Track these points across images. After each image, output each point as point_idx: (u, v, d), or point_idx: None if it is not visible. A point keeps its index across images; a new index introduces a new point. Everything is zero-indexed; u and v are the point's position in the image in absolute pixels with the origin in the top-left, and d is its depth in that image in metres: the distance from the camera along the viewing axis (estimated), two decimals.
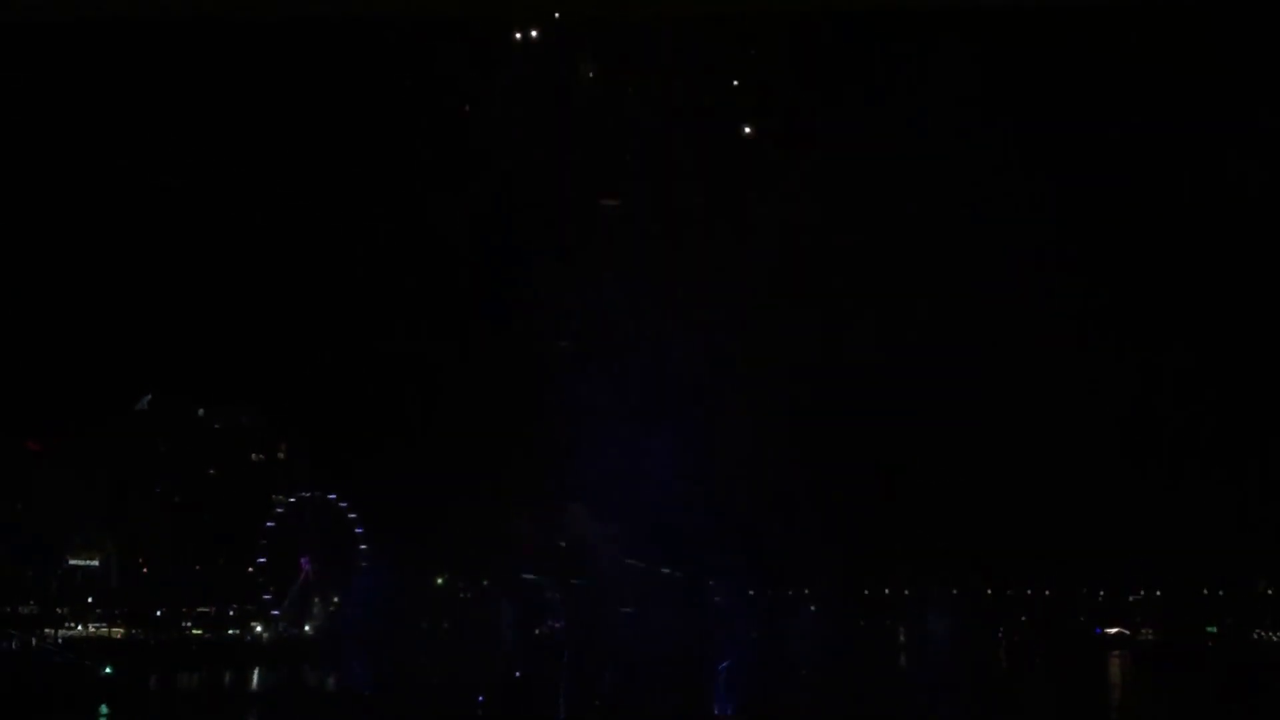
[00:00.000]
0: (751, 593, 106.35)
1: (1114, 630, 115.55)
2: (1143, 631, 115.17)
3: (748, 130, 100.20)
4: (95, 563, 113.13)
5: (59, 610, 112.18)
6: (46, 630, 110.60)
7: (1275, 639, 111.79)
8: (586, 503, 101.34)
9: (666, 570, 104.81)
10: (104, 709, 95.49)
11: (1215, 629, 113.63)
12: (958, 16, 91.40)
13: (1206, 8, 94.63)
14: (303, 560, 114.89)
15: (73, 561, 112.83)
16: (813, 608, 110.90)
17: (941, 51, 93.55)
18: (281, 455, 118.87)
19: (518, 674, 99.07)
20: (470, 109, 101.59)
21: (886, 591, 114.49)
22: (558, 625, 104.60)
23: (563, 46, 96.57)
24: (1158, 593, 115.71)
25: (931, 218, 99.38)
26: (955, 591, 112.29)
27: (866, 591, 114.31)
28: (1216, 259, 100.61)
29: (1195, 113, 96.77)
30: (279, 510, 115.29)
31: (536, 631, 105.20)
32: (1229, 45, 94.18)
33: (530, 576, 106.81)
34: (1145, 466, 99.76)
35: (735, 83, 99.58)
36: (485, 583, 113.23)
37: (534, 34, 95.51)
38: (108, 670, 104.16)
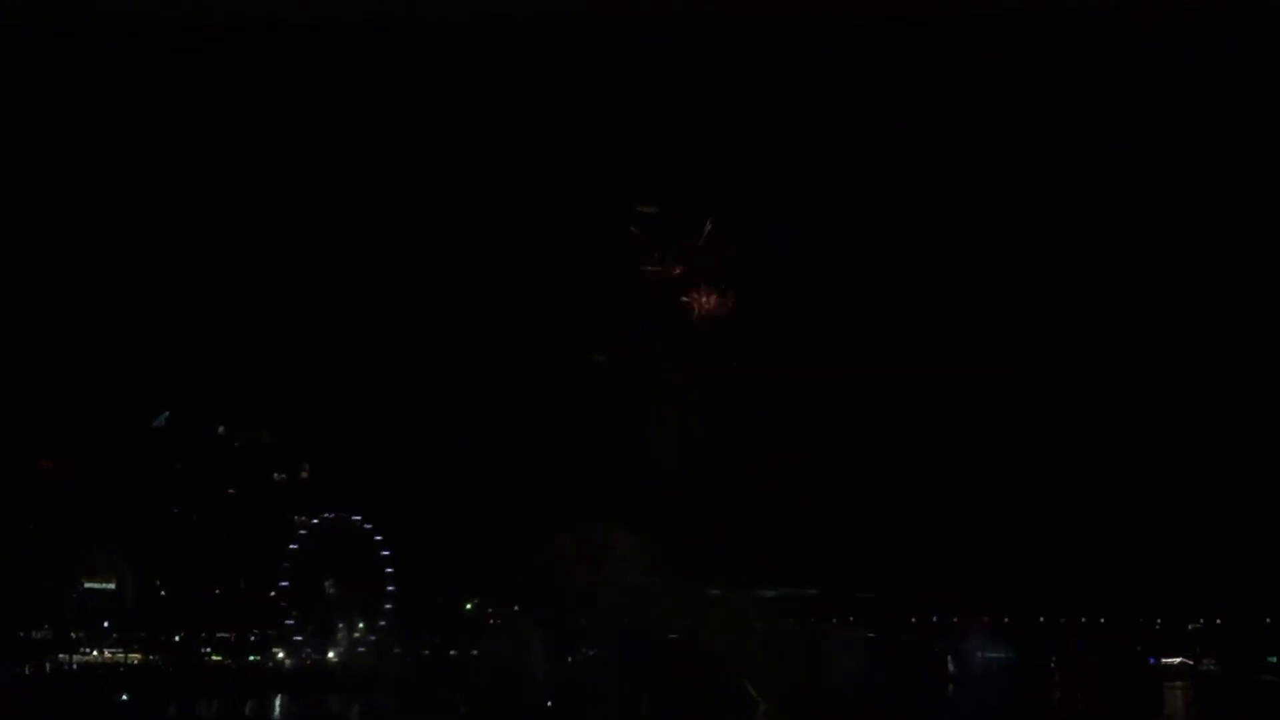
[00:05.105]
0: (792, 621, 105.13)
1: (1176, 660, 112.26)
2: (1204, 662, 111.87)
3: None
4: (111, 586, 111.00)
5: (73, 635, 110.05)
6: (60, 656, 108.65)
7: None
8: (622, 524, 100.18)
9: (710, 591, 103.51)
10: None
11: (1276, 659, 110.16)
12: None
13: None
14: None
15: (87, 584, 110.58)
16: (858, 634, 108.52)
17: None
18: (305, 474, 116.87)
19: (549, 703, 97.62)
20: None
21: (934, 619, 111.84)
22: (591, 653, 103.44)
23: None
24: (1217, 621, 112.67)
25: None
26: (1006, 619, 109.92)
27: (914, 619, 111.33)
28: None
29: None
30: (302, 532, 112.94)
31: (570, 659, 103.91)
32: None
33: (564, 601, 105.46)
34: (1201, 491, 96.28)
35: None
36: (516, 608, 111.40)
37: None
38: (124, 698, 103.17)
